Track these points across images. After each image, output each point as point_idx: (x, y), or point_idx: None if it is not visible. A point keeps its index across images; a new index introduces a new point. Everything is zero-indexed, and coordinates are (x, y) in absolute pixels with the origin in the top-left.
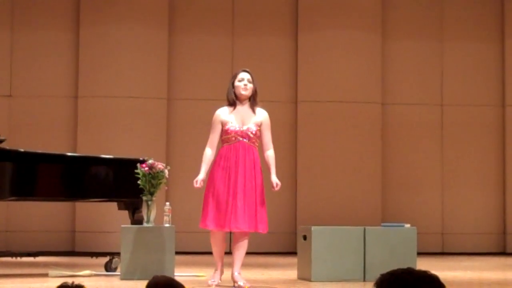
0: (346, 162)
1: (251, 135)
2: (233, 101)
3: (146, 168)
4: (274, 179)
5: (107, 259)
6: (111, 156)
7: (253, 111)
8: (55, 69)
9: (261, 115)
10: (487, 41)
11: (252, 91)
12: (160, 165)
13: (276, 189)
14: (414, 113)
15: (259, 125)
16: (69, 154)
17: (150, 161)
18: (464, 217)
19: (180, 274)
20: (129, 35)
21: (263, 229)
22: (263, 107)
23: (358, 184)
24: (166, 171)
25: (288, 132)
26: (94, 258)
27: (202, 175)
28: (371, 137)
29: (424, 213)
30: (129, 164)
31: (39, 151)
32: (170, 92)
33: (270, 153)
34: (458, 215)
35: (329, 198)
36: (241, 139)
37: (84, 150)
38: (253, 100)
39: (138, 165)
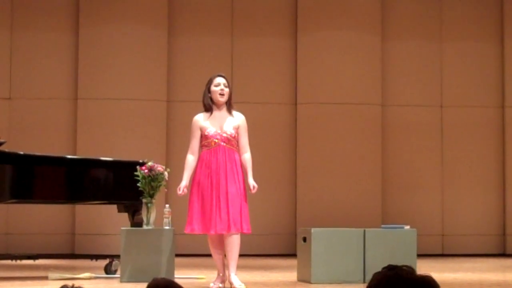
0: (346, 164)
1: (230, 138)
2: (209, 106)
3: (146, 171)
4: (251, 181)
5: (107, 261)
6: (110, 159)
7: (230, 114)
8: (55, 71)
9: (238, 118)
10: (486, 41)
11: (228, 95)
12: (159, 167)
13: (253, 191)
14: (414, 115)
15: (237, 128)
16: (68, 156)
17: (150, 164)
18: (464, 219)
19: (180, 277)
20: (128, 36)
21: (247, 229)
22: (263, 108)
23: (358, 186)
24: (166, 173)
25: (287, 134)
26: (94, 260)
27: (184, 181)
28: (371, 139)
29: (424, 214)
30: (129, 167)
31: (39, 153)
32: (169, 94)
33: (247, 156)
34: (458, 217)
35: (329, 200)
36: (220, 143)
37: (83, 152)
38: (229, 104)
39: (138, 167)
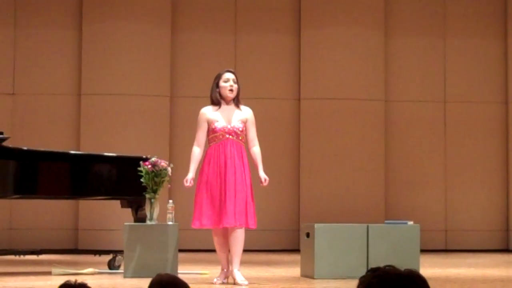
0: (349, 160)
1: (238, 132)
2: (217, 100)
3: (149, 166)
4: (262, 174)
5: (110, 257)
6: (114, 154)
7: (238, 108)
8: (58, 67)
9: (246, 112)
10: (490, 37)
11: (237, 90)
12: (163, 163)
13: (265, 184)
14: (417, 110)
15: (245, 122)
16: (72, 152)
17: (153, 159)
18: (467, 214)
19: (183, 272)
20: (132, 32)
21: (253, 224)
22: (267, 104)
23: (361, 182)
24: (169, 169)
25: (291, 129)
26: (97, 256)
27: (191, 174)
28: (374, 134)
29: (427, 210)
30: (132, 162)
31: (42, 149)
32: (173, 90)
33: (256, 150)
34: (462, 212)
35: (332, 195)
36: (228, 136)
37: (87, 148)
38: (237, 99)
39: (141, 163)
